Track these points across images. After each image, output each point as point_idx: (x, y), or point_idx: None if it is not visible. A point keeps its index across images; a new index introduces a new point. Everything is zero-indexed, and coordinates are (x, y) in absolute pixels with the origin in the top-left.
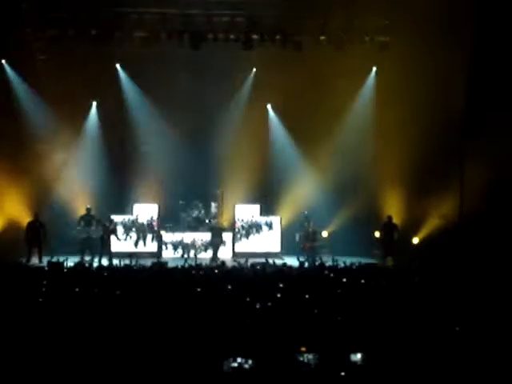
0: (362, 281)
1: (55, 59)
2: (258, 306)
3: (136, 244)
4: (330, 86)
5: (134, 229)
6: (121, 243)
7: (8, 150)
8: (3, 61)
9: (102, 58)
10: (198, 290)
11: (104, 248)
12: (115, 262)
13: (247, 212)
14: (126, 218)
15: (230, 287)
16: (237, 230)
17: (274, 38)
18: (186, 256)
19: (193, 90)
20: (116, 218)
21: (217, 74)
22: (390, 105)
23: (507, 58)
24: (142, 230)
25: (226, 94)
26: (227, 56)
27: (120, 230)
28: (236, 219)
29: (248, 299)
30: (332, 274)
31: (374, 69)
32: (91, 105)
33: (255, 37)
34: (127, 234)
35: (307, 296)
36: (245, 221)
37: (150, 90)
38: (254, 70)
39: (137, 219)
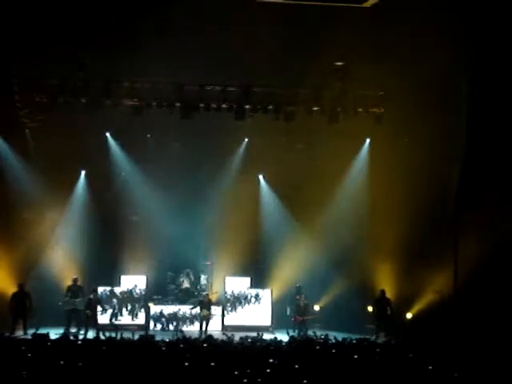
0: (355, 356)
1: (44, 126)
2: (245, 381)
3: (121, 316)
4: (322, 157)
5: (120, 301)
6: (107, 315)
7: None
8: None
9: (91, 126)
10: (186, 364)
11: (90, 320)
12: (101, 334)
13: (237, 284)
14: (112, 289)
15: (218, 362)
16: (223, 303)
17: (266, 107)
18: (173, 329)
19: (183, 159)
20: (103, 289)
21: (208, 143)
22: (383, 176)
23: (503, 129)
24: (130, 302)
25: (217, 164)
26: (219, 125)
27: (107, 301)
28: (223, 292)
29: (236, 373)
30: (323, 349)
31: (368, 140)
32: (80, 173)
33: (247, 107)
34: (113, 306)
35: (298, 371)
36: (231, 293)
37: (139, 159)
38: (246, 140)
39: (131, 291)
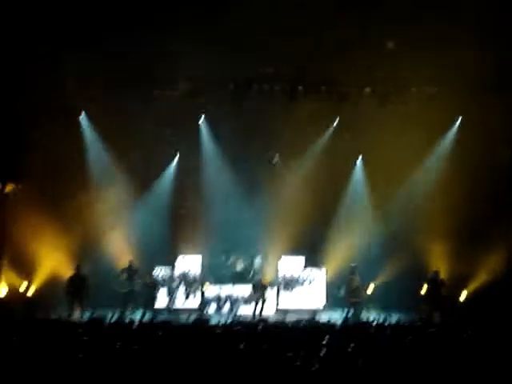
0: (409, 337)
1: (98, 112)
2: (298, 363)
3: (177, 299)
4: (374, 141)
5: (176, 283)
6: (163, 298)
7: (52, 202)
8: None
9: (142, 114)
10: (241, 346)
11: (146, 303)
12: (157, 317)
13: (291, 265)
14: (169, 270)
15: (272, 344)
16: (277, 285)
17: (318, 89)
18: (228, 311)
19: (238, 141)
20: (159, 271)
21: (258, 127)
22: (437, 158)
23: None
24: (185, 284)
25: (269, 147)
26: (270, 109)
27: (163, 284)
28: (277, 274)
29: (290, 356)
30: (378, 330)
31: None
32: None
33: (300, 88)
34: (170, 289)
35: (352, 351)
36: (283, 276)
37: (192, 145)
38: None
39: (186, 273)
